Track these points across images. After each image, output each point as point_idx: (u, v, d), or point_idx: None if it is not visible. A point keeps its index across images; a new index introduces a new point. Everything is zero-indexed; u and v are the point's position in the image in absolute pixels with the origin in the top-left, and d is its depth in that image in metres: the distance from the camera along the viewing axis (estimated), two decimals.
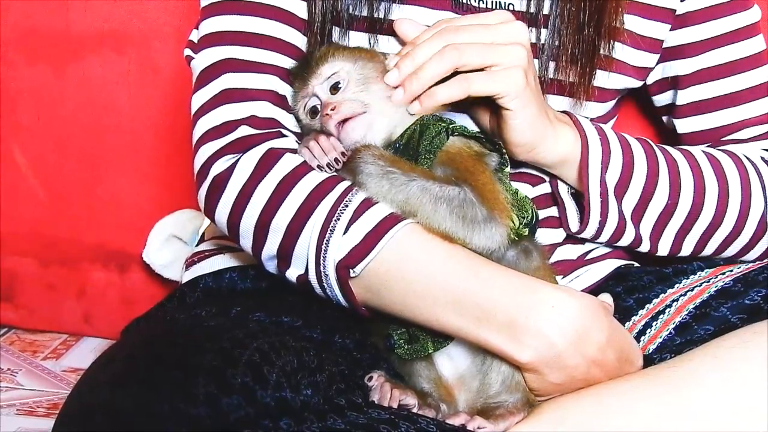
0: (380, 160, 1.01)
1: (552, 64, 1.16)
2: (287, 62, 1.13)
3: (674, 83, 1.26)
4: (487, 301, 0.98)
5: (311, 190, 1.02)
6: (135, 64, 1.65)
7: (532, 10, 1.16)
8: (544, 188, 1.19)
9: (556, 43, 1.15)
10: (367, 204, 1.01)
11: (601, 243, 1.18)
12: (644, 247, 1.17)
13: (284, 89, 1.12)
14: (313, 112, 1.08)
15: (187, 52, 1.18)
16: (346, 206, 1.00)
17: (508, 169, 1.08)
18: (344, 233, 1.00)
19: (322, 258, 1.00)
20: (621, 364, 1.02)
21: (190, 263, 1.28)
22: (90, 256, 1.71)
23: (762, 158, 1.23)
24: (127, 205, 1.68)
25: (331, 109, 1.04)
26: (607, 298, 1.09)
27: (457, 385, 1.05)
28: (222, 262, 1.22)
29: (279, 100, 1.11)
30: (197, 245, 1.39)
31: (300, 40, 1.15)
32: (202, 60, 1.14)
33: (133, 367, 0.91)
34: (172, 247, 1.63)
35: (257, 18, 1.13)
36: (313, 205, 1.01)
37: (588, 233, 1.15)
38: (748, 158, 1.22)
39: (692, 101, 1.26)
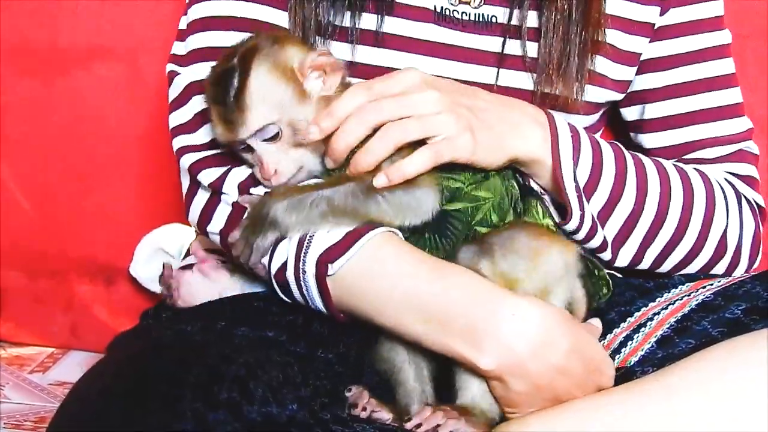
0: (282, 198, 1.02)
1: (538, 77, 1.17)
2: None
3: (643, 97, 1.28)
4: (449, 305, 1.00)
5: None
6: (123, 77, 1.65)
7: (515, 22, 1.17)
8: None
9: (544, 56, 1.16)
10: None
11: (578, 240, 1.17)
12: (606, 254, 1.17)
13: None
14: (244, 149, 1.07)
15: (171, 67, 1.19)
16: None
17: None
18: (327, 231, 1.02)
19: (303, 253, 1.02)
20: (589, 373, 1.03)
21: None
22: (77, 269, 1.71)
23: (726, 180, 1.25)
24: (114, 219, 1.69)
25: (270, 176, 1.04)
26: (596, 322, 1.10)
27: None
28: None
29: None
30: (183, 259, 1.40)
31: None
32: (187, 77, 1.15)
33: (120, 382, 0.91)
34: (158, 261, 1.63)
35: (246, 34, 1.12)
36: None
37: (570, 226, 1.14)
38: (714, 177, 1.23)
39: (659, 116, 1.27)
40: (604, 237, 1.15)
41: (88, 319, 1.73)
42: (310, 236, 1.02)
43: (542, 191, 1.15)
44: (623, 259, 1.18)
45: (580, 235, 1.14)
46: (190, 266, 1.22)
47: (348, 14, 1.14)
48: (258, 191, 1.08)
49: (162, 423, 0.84)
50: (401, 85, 1.06)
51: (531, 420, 1.02)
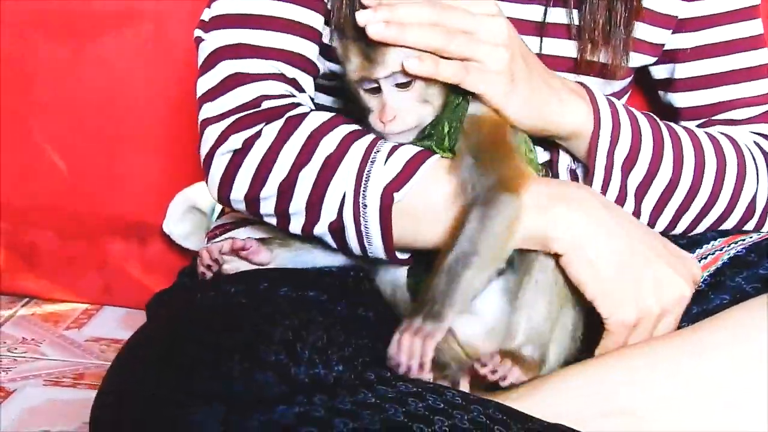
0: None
1: (582, 45, 1.17)
2: (302, 44, 1.13)
3: (673, 56, 1.28)
4: None
5: (341, 139, 1.05)
6: (151, 41, 1.67)
7: None
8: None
9: (589, 22, 1.16)
10: (396, 146, 1.04)
11: None
12: (641, 221, 1.17)
13: (294, 73, 1.13)
14: (371, 90, 1.05)
15: (198, 32, 1.18)
16: (382, 145, 1.04)
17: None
18: (384, 164, 1.03)
19: (362, 189, 1.02)
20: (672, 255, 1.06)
21: (211, 236, 1.30)
22: (110, 228, 1.73)
23: (755, 142, 1.25)
24: (145, 179, 1.71)
25: (389, 119, 1.03)
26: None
27: (483, 343, 1.06)
28: (243, 234, 1.24)
29: (288, 81, 1.12)
30: (218, 218, 1.41)
31: (319, 22, 1.15)
32: (211, 42, 1.14)
33: (167, 346, 0.93)
34: (191, 218, 1.66)
35: (272, 1, 1.13)
36: (345, 149, 1.04)
37: None
38: (744, 142, 1.23)
39: (690, 76, 1.27)
40: (637, 208, 1.16)
41: (121, 277, 1.75)
42: (367, 171, 1.02)
43: (574, 164, 1.16)
44: (658, 228, 1.19)
45: None
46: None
47: None
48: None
49: (211, 387, 0.86)
50: (475, 7, 1.04)
51: (566, 371, 1.03)
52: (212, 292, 1.07)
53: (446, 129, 1.04)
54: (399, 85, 1.03)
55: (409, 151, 1.04)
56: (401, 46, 1.01)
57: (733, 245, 1.16)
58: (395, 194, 1.02)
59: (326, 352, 0.90)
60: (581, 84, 1.16)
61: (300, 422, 0.84)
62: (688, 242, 1.19)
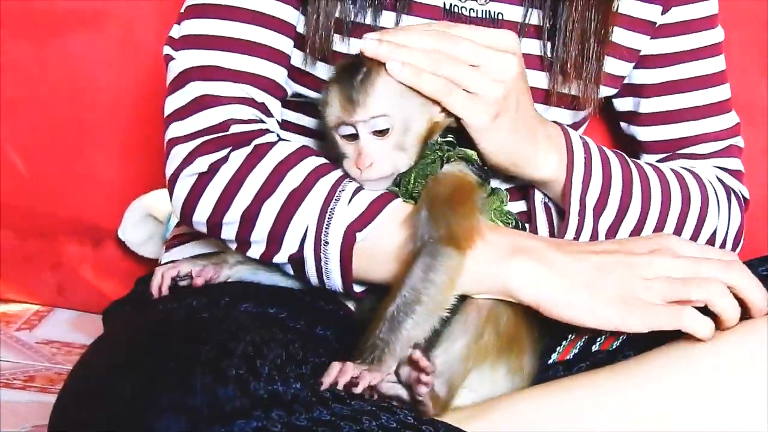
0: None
1: (554, 77, 1.19)
2: (271, 68, 1.14)
3: (638, 91, 1.30)
4: None
5: (307, 173, 1.07)
6: (116, 43, 1.68)
7: (533, 21, 1.19)
8: (520, 206, 1.23)
9: (562, 54, 1.18)
10: (361, 186, 1.06)
11: None
12: None
13: (263, 97, 1.14)
14: (348, 137, 1.06)
15: (167, 50, 1.18)
16: (347, 184, 1.06)
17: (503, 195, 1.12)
18: (349, 203, 1.04)
19: (325, 226, 1.04)
20: None
21: (170, 245, 1.31)
22: (66, 230, 1.74)
23: (717, 177, 1.29)
24: (104, 182, 1.72)
25: (365, 166, 1.04)
26: None
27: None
28: (203, 246, 1.25)
29: (257, 106, 1.13)
30: (176, 225, 1.42)
31: (288, 46, 1.16)
32: (181, 62, 1.14)
33: (131, 356, 0.94)
34: (147, 226, 1.67)
35: (242, 24, 1.14)
36: (311, 184, 1.06)
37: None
38: (707, 177, 1.27)
39: (655, 111, 1.30)
40: None
41: (74, 279, 1.76)
42: (331, 209, 1.04)
43: (547, 199, 1.19)
44: None
45: None
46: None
47: (369, 12, 1.14)
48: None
49: (174, 397, 0.87)
50: (490, 40, 1.06)
51: (517, 397, 1.05)
52: (174, 304, 1.08)
53: (412, 182, 1.07)
54: (376, 133, 1.04)
55: (374, 192, 1.06)
56: (386, 88, 1.03)
57: None
58: (357, 234, 1.04)
59: (285, 369, 0.91)
60: (561, 127, 1.18)
61: None
62: None
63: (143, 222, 1.67)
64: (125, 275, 1.71)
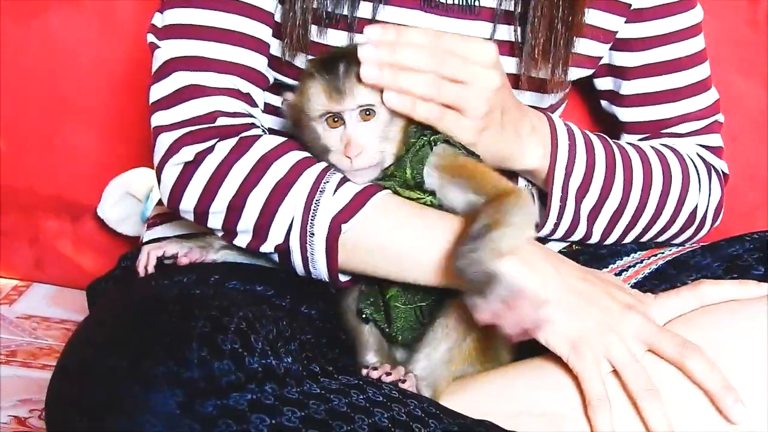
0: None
1: (524, 62, 1.21)
2: (254, 58, 1.16)
3: (619, 73, 1.33)
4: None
5: (292, 165, 1.08)
6: (97, 19, 1.68)
7: (505, 7, 1.20)
8: None
9: (530, 40, 1.20)
10: (345, 179, 1.08)
11: (555, 239, 1.25)
12: (593, 240, 1.25)
13: (248, 88, 1.16)
14: (332, 121, 1.07)
15: (151, 38, 1.19)
16: (332, 175, 1.07)
17: None
18: (333, 194, 1.06)
19: (310, 217, 1.06)
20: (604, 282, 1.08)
21: (151, 224, 1.33)
22: (45, 205, 1.75)
23: (698, 154, 1.32)
24: (83, 159, 1.73)
25: (355, 154, 1.06)
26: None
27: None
28: (185, 226, 1.26)
29: (243, 97, 1.15)
30: (157, 204, 1.43)
31: (268, 35, 1.18)
32: (166, 51, 1.16)
33: (125, 330, 0.96)
34: (126, 204, 1.68)
35: (224, 13, 1.15)
36: (296, 176, 1.08)
37: (543, 233, 1.22)
38: (688, 155, 1.30)
39: (636, 93, 1.33)
40: (588, 230, 1.22)
41: (53, 254, 1.77)
42: (316, 200, 1.06)
43: (530, 184, 1.23)
44: (609, 241, 1.26)
45: (557, 236, 1.23)
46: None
47: (347, 3, 1.16)
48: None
49: (170, 371, 0.89)
50: (475, 55, 1.08)
51: (488, 373, 1.08)
52: (165, 281, 1.10)
53: (409, 172, 1.09)
54: (363, 113, 1.06)
55: (357, 185, 1.08)
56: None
57: (653, 258, 1.22)
58: (343, 225, 1.06)
59: (276, 344, 0.94)
60: (546, 114, 1.21)
61: (252, 409, 0.89)
62: (609, 252, 1.26)
63: (122, 200, 1.68)
64: (104, 250, 1.73)
